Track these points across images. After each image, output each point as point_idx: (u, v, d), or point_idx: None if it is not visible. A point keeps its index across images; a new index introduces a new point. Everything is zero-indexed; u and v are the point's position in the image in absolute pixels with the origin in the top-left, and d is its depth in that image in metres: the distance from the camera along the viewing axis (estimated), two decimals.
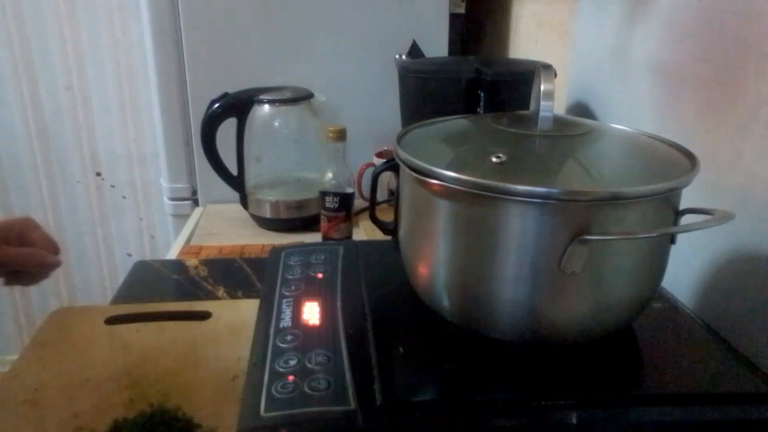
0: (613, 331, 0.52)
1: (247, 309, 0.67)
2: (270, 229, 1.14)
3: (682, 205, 0.51)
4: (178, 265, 0.88)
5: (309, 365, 0.49)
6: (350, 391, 0.46)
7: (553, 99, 0.57)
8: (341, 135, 0.96)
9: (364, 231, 1.10)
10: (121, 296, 0.78)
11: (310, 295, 0.61)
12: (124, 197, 1.98)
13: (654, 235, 0.49)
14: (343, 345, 0.52)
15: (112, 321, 0.67)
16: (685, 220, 0.50)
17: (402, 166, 0.54)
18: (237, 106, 1.08)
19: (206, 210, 1.26)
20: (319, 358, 0.50)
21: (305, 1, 1.19)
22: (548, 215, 0.46)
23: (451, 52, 1.28)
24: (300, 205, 1.12)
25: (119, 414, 0.53)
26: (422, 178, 0.50)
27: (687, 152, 0.54)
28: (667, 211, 0.50)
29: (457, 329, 0.54)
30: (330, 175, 0.98)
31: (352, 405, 0.45)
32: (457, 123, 0.65)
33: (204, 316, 0.68)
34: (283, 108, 1.11)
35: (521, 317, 0.49)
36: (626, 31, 0.82)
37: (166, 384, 0.57)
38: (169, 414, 0.53)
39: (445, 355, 0.52)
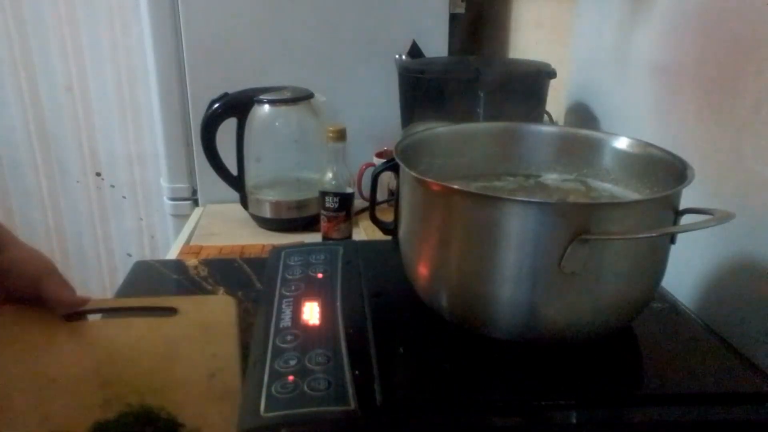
0: (613, 331, 0.52)
1: (216, 305, 0.66)
2: (270, 229, 1.14)
3: (682, 205, 0.51)
4: (178, 265, 0.88)
5: (309, 365, 0.49)
6: (350, 391, 0.46)
7: None
8: (341, 135, 0.96)
9: (364, 231, 1.10)
10: (121, 296, 0.78)
11: (310, 295, 0.61)
12: (124, 197, 1.98)
13: (654, 235, 0.49)
14: (343, 345, 0.52)
15: (70, 317, 0.63)
16: (685, 220, 0.50)
17: (402, 167, 0.54)
18: (237, 106, 1.08)
19: (206, 210, 1.26)
20: (319, 358, 0.50)
21: (305, 1, 1.19)
22: (548, 215, 0.46)
23: (451, 52, 1.28)
24: (300, 205, 1.12)
25: (94, 415, 0.51)
26: (422, 178, 0.51)
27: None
28: (667, 211, 0.50)
29: (457, 329, 0.54)
30: (330, 175, 0.98)
31: (352, 405, 0.45)
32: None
33: (170, 311, 0.66)
34: (283, 108, 1.11)
35: (521, 317, 0.49)
36: (626, 31, 0.82)
37: (142, 383, 0.55)
38: (154, 414, 0.52)
39: (445, 355, 0.52)
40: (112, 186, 1.96)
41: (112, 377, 0.55)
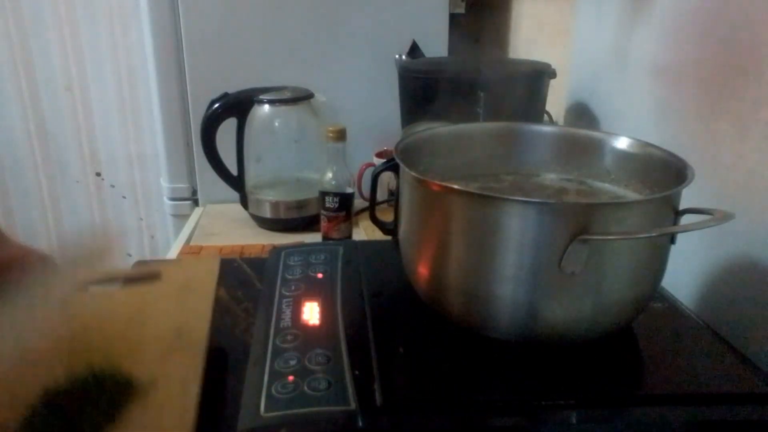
0: (613, 331, 0.52)
1: (199, 265, 0.66)
2: (270, 229, 1.14)
3: (682, 205, 0.51)
4: None
5: (309, 365, 0.49)
6: (350, 391, 0.46)
7: None
8: (341, 135, 0.96)
9: (364, 231, 1.10)
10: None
11: (310, 295, 0.61)
12: (124, 197, 1.98)
13: (654, 235, 0.49)
14: (343, 345, 0.52)
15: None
16: (685, 220, 0.50)
17: (402, 167, 0.54)
18: (237, 106, 1.08)
19: (206, 210, 1.26)
20: (319, 358, 0.50)
21: (305, 1, 1.19)
22: (548, 215, 0.46)
23: (451, 52, 1.28)
24: (300, 205, 1.12)
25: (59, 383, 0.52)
26: (422, 178, 0.51)
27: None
28: (667, 211, 0.50)
29: (457, 329, 0.54)
30: (330, 175, 0.98)
31: (352, 405, 0.45)
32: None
33: (154, 277, 0.66)
34: (283, 108, 1.11)
35: (521, 317, 0.49)
36: (626, 31, 0.82)
37: (110, 348, 0.55)
38: (103, 376, 0.52)
39: (445, 355, 0.52)
40: (112, 186, 1.96)
41: (83, 346, 0.56)
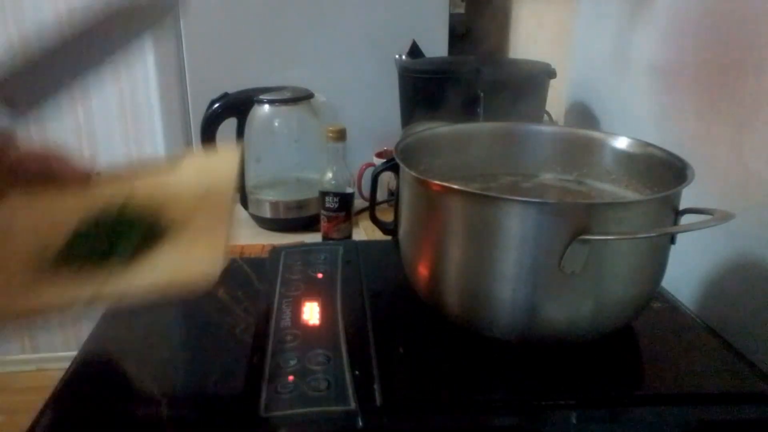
0: (613, 331, 0.52)
1: (220, 155, 0.67)
2: (270, 229, 1.14)
3: (682, 205, 0.51)
4: None
5: (309, 365, 0.49)
6: (350, 391, 0.46)
7: None
8: (341, 135, 0.96)
9: (364, 231, 1.09)
10: None
11: (310, 295, 0.61)
12: None
13: (654, 235, 0.49)
14: (343, 345, 0.52)
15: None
16: (685, 220, 0.50)
17: (402, 167, 0.54)
18: (237, 106, 1.08)
19: None
20: (319, 358, 0.50)
21: (305, 1, 1.19)
22: (548, 215, 0.46)
23: (451, 52, 1.28)
24: (300, 205, 1.12)
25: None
26: (422, 178, 0.51)
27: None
28: (667, 211, 0.50)
29: (456, 329, 0.54)
30: (330, 175, 0.98)
31: (352, 405, 0.45)
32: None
33: (174, 163, 0.66)
34: (283, 108, 1.11)
35: (521, 317, 0.49)
36: (626, 32, 0.82)
37: (136, 210, 0.57)
38: (132, 215, 0.53)
39: (445, 355, 0.52)
40: None
41: (110, 213, 0.57)
